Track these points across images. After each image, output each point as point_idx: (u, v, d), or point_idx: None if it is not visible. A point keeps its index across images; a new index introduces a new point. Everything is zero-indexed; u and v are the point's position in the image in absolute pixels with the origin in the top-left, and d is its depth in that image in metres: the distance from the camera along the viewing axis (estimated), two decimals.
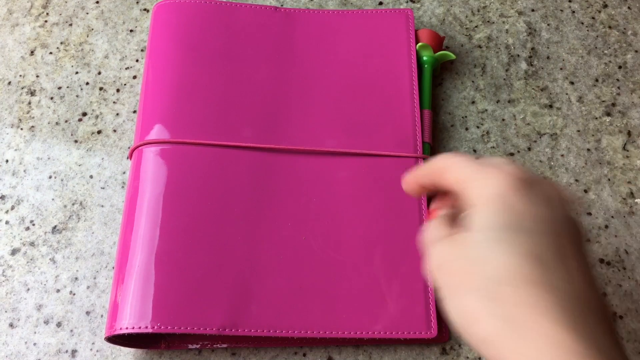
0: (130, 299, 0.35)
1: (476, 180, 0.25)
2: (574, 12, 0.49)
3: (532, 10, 0.49)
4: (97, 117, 0.45)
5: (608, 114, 0.45)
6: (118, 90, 0.46)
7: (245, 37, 0.44)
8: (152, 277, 0.35)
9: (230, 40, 0.44)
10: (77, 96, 0.46)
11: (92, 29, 0.48)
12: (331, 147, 0.41)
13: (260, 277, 0.36)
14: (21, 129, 0.44)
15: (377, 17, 0.46)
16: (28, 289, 0.39)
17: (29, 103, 0.45)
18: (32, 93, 0.46)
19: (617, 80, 0.46)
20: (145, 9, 0.49)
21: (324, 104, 0.42)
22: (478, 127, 0.44)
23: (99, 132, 0.44)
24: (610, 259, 0.40)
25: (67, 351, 0.37)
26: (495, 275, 0.22)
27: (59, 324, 0.38)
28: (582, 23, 0.49)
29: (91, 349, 0.37)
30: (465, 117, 0.45)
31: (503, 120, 0.45)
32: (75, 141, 0.44)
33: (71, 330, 0.38)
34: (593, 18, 0.49)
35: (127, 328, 0.34)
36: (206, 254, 0.36)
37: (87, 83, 0.46)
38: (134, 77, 0.46)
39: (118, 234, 0.40)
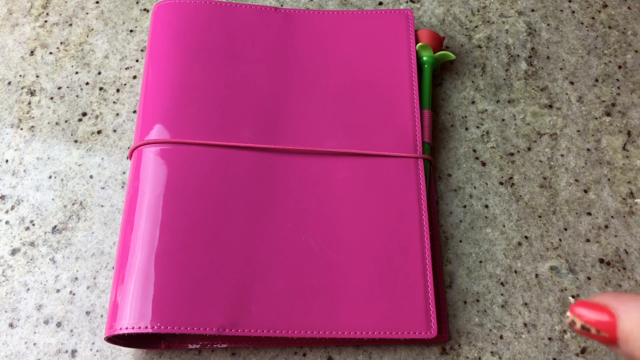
0: (130, 299, 0.35)
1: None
2: (573, 12, 0.49)
3: (532, 10, 0.49)
4: (97, 117, 0.45)
5: (608, 114, 0.45)
6: (118, 90, 0.46)
7: (245, 38, 0.44)
8: (152, 277, 0.35)
9: (230, 40, 0.44)
10: (77, 96, 0.46)
11: (92, 29, 0.48)
12: (331, 147, 0.41)
13: (260, 277, 0.36)
14: (21, 129, 0.44)
15: (377, 18, 0.46)
16: (28, 289, 0.39)
17: (29, 103, 0.45)
18: (32, 93, 0.46)
19: (617, 80, 0.46)
20: (145, 9, 0.49)
21: (323, 104, 0.42)
22: (478, 127, 0.44)
23: (99, 132, 0.44)
24: (610, 259, 0.40)
25: (67, 351, 0.37)
26: None
27: (59, 324, 0.38)
28: (582, 23, 0.49)
29: (91, 349, 0.37)
30: (465, 117, 0.45)
31: (503, 120, 0.45)
32: (75, 141, 0.44)
33: (71, 330, 0.38)
34: (593, 18, 0.49)
35: (127, 328, 0.34)
36: (206, 254, 0.36)
37: (87, 83, 0.46)
38: (134, 77, 0.46)
39: (118, 234, 0.40)
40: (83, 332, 0.38)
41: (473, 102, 0.45)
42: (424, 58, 0.44)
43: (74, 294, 0.39)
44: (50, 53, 0.47)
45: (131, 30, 0.48)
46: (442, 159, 0.43)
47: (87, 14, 0.49)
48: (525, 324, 0.38)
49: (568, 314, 0.23)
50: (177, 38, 0.43)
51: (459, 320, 0.38)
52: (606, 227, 0.41)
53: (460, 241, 0.41)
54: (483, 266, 0.40)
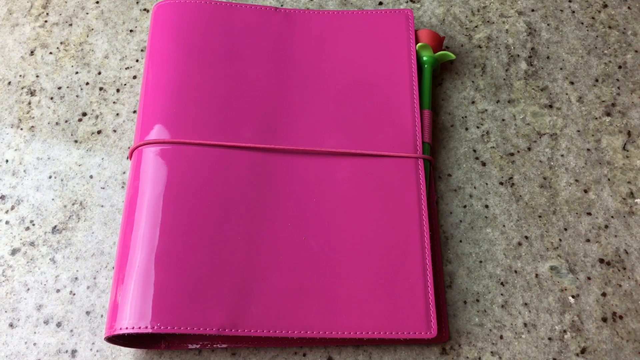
0: (130, 299, 0.35)
1: None
2: (574, 12, 0.49)
3: (532, 10, 0.49)
4: (97, 117, 0.45)
5: (608, 114, 0.45)
6: (118, 90, 0.46)
7: (245, 38, 0.44)
8: (152, 277, 0.35)
9: (230, 40, 0.44)
10: (77, 96, 0.46)
11: (92, 29, 0.48)
12: (331, 147, 0.41)
13: (260, 277, 0.36)
14: (21, 129, 0.44)
15: (377, 18, 0.46)
16: (28, 289, 0.39)
17: (29, 103, 0.45)
18: (32, 93, 0.46)
19: (617, 80, 0.46)
20: (145, 9, 0.49)
21: (323, 104, 0.42)
22: (478, 127, 0.44)
23: (99, 132, 0.44)
24: (610, 259, 0.40)
25: (67, 351, 0.37)
26: None
27: (59, 324, 0.38)
28: (582, 23, 0.49)
29: (91, 349, 0.37)
30: (465, 117, 0.45)
31: (503, 120, 0.45)
32: (75, 141, 0.44)
33: (71, 330, 0.38)
34: (593, 18, 0.49)
35: (127, 328, 0.34)
36: (206, 254, 0.36)
37: (87, 83, 0.46)
38: (134, 77, 0.46)
39: (118, 234, 0.40)
40: (83, 332, 0.38)
41: (473, 102, 0.45)
42: (424, 58, 0.44)
43: (74, 294, 0.39)
44: (50, 53, 0.47)
45: (131, 30, 0.48)
46: (442, 159, 0.43)
47: (87, 14, 0.49)
48: (525, 324, 0.38)
49: None
50: (177, 38, 0.43)
51: (459, 320, 0.38)
52: (606, 227, 0.41)
53: (460, 241, 0.41)
54: (483, 266, 0.40)
